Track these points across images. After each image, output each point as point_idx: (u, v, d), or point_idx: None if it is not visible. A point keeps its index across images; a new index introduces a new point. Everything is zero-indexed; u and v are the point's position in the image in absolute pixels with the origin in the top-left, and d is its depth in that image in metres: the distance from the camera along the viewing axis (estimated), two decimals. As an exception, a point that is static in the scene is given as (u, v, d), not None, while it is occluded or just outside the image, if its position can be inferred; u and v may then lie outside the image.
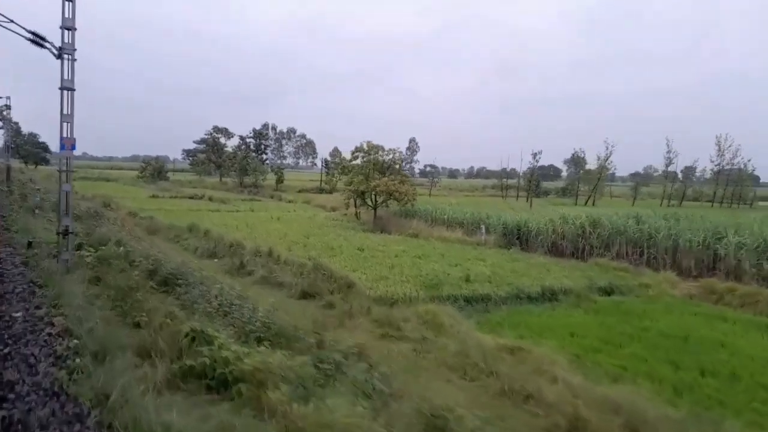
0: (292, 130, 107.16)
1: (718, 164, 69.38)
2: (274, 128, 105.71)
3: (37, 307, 6.65)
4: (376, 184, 28.19)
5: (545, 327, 13.20)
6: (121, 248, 9.70)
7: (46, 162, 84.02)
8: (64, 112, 8.93)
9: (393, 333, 11.20)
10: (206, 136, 68.39)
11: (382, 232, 28.40)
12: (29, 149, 78.92)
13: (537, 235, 23.59)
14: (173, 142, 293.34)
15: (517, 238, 24.11)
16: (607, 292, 17.67)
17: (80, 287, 7.74)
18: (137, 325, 6.04)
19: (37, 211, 16.99)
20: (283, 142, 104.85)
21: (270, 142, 70.53)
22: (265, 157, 65.64)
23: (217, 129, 67.24)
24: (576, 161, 66.45)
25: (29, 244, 10.23)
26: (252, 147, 63.93)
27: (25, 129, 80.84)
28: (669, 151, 68.28)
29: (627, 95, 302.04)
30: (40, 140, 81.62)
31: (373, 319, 12.10)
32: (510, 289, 16.19)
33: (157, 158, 68.32)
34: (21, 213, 16.06)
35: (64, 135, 8.92)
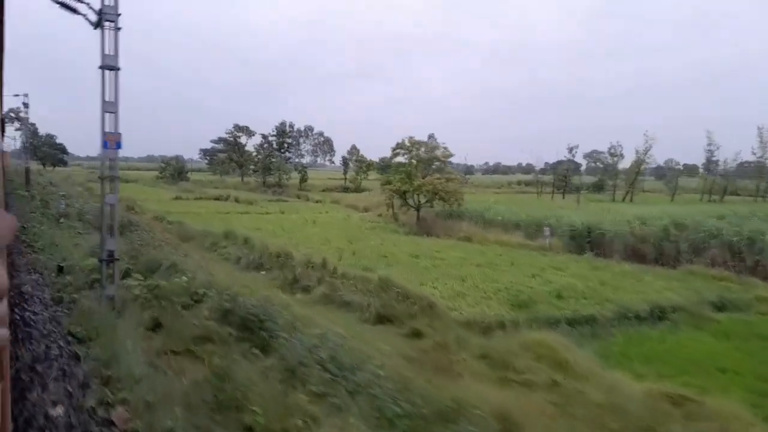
0: (309, 128, 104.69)
1: (761, 157, 65.53)
2: (291, 126, 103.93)
3: (84, 386, 4.42)
4: (422, 183, 25.80)
5: (684, 360, 10.74)
6: (183, 277, 7.44)
7: (64, 163, 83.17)
8: (107, 98, 6.70)
9: (514, 377, 8.84)
10: (226, 135, 66.68)
11: (428, 236, 26.03)
12: (47, 151, 77.94)
13: (613, 239, 20.99)
14: (186, 142, 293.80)
15: (588, 241, 21.52)
16: (718, 307, 15.10)
17: (137, 341, 5.52)
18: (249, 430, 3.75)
19: (62, 220, 14.92)
20: (301, 140, 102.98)
21: (291, 140, 68.18)
22: (288, 155, 63.59)
23: (237, 127, 65.24)
24: (612, 155, 63.11)
25: (60, 269, 8.06)
26: (275, 145, 62.03)
27: (42, 130, 79.98)
28: (710, 144, 64.80)
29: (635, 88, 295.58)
30: (58, 141, 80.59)
31: (479, 355, 9.76)
32: (613, 307, 13.70)
33: (177, 158, 66.54)
34: (45, 223, 13.98)
35: (107, 129, 6.67)
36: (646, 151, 55.64)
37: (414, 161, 27.59)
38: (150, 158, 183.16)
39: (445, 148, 27.24)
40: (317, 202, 42.83)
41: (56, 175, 56.23)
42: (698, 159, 71.82)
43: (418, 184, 25.86)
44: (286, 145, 64.01)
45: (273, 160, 57.80)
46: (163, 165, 64.56)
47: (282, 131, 63.67)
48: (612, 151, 62.30)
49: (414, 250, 21.20)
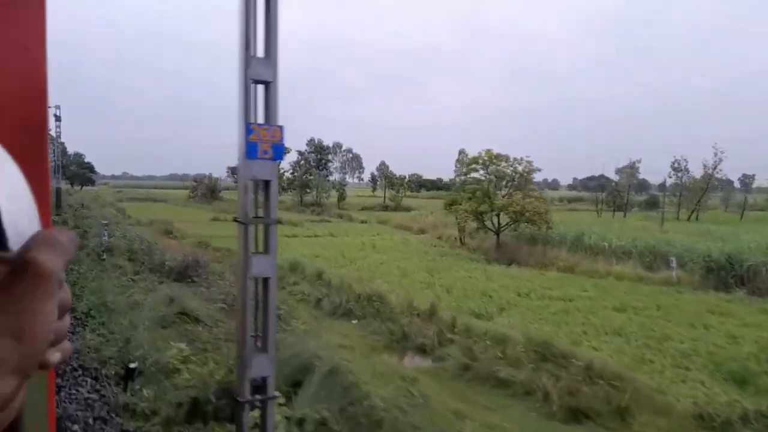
0: (338, 145, 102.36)
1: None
2: (320, 143, 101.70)
3: None
4: (507, 202, 22.02)
5: None
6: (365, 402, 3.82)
7: (92, 183, 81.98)
8: (266, 77, 3.19)
9: None
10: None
11: (511, 264, 22.16)
12: (75, 170, 76.77)
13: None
14: (211, 160, 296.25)
15: (733, 275, 17.40)
16: None
17: None
18: None
19: (104, 256, 11.59)
20: (330, 156, 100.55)
21: (330, 156, 64.94)
22: (326, 173, 60.47)
23: (269, 143, 62.76)
24: (676, 169, 58.29)
25: (128, 374, 4.54)
26: (312, 162, 59.82)
27: (70, 148, 79.01)
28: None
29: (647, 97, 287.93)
30: (86, 160, 79.47)
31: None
32: None
33: (209, 176, 63.99)
34: (84, 261, 10.65)
35: (271, 124, 3.16)
36: (716, 165, 50.84)
37: (493, 177, 23.87)
38: (173, 177, 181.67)
39: (529, 162, 23.52)
40: (363, 222, 39.25)
41: (85, 195, 54.21)
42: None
43: (503, 203, 22.09)
44: (324, 162, 61.01)
45: (311, 177, 54.70)
46: (194, 183, 61.89)
47: (320, 147, 60.75)
48: (676, 165, 57.48)
49: (515, 285, 17.38)
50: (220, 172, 65.57)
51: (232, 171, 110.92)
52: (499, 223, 23.83)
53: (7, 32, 0.85)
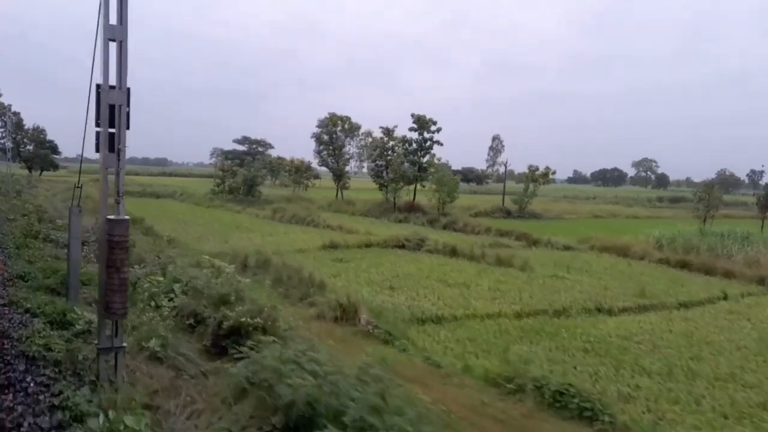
0: (356, 126, 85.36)
1: None
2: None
3: None
4: None
5: None
6: None
7: (55, 167, 64.47)
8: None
9: None
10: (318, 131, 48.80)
11: None
12: (33, 151, 59.79)
13: None
14: (194, 147, 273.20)
15: None
16: None
17: None
18: None
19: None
20: (346, 141, 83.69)
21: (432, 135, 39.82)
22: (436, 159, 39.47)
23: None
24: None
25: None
26: (414, 143, 38.21)
27: (27, 122, 61.52)
28: None
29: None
30: (48, 138, 62.13)
31: None
32: None
33: (253, 161, 47.26)
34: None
35: None
36: None
37: None
38: (132, 160, 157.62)
39: None
40: (567, 249, 22.14)
41: (49, 187, 38.17)
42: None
43: None
44: (429, 144, 38.79)
45: (431, 169, 38.01)
46: (222, 171, 43.56)
47: (424, 122, 37.85)
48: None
49: None
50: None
51: (226, 156, 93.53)
52: None
53: None
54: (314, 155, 60.73)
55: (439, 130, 39.03)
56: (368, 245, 19.87)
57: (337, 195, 47.80)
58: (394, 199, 38.47)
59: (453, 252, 18.40)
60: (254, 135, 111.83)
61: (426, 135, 39.04)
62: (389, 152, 40.30)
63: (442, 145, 39.33)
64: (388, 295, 12.24)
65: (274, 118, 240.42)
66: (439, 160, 40.40)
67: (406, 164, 39.39)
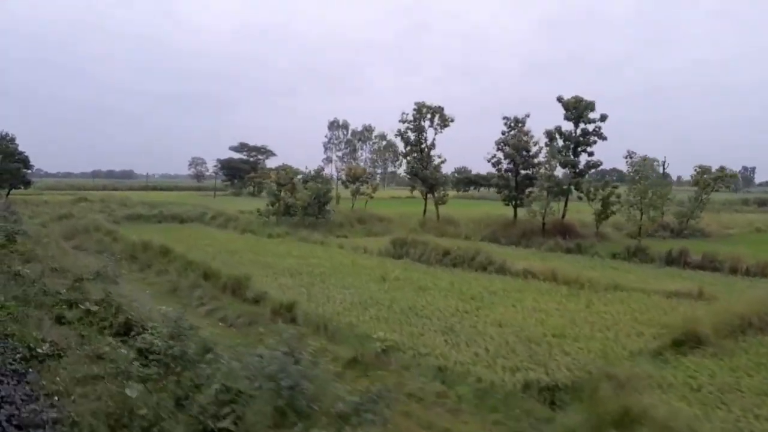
0: (368, 128, 78.34)
1: None
2: (345, 127, 77.60)
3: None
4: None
5: None
6: None
7: (26, 185, 53.96)
8: None
9: None
10: (404, 125, 37.77)
11: None
12: (2, 166, 49.56)
13: None
14: (158, 158, 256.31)
15: None
16: None
17: None
18: None
19: None
20: (358, 144, 76.34)
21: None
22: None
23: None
24: None
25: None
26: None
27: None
28: None
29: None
30: (19, 149, 51.89)
31: None
32: None
33: (325, 175, 37.56)
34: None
35: None
36: None
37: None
38: (96, 173, 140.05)
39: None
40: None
41: (31, 212, 29.10)
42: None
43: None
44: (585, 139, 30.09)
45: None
46: (275, 184, 33.59)
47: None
48: None
49: None
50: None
51: (222, 166, 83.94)
52: None
53: None
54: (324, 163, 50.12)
55: (604, 118, 29.31)
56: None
57: (425, 211, 35.83)
58: (543, 217, 27.91)
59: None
60: (228, 143, 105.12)
61: (582, 126, 29.44)
62: (525, 152, 31.31)
63: (605, 139, 29.49)
64: None
65: (242, 127, 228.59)
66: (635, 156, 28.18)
67: (561, 169, 29.81)
